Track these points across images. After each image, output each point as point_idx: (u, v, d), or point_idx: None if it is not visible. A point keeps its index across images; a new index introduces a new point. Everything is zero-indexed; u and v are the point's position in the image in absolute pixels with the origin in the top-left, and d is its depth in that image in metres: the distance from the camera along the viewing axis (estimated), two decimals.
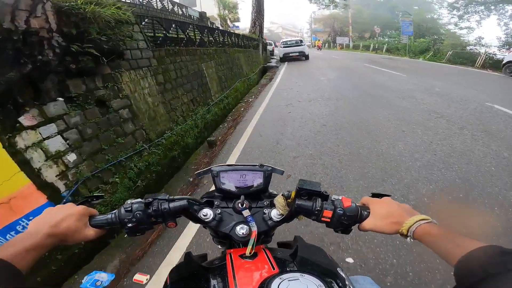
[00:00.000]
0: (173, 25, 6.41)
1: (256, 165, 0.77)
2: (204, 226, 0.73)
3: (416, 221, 0.53)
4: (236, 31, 15.57)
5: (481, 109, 5.03)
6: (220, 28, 15.26)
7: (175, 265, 0.68)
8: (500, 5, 18.58)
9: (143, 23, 5.40)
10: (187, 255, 0.70)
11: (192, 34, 7.59)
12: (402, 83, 7.77)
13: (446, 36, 22.26)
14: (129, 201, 0.62)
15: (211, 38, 9.00)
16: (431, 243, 0.50)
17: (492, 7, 18.95)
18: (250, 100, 7.66)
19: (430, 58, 18.04)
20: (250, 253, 0.61)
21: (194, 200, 0.69)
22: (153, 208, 0.61)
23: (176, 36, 6.56)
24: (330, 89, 7.68)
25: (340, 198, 0.62)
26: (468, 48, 17.86)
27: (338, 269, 0.59)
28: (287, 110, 5.76)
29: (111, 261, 2.12)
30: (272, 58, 22.45)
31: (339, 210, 0.60)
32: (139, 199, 0.63)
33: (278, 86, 8.60)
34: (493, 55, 14.52)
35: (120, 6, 3.72)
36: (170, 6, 13.78)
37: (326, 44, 43.26)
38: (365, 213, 0.61)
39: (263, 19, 19.01)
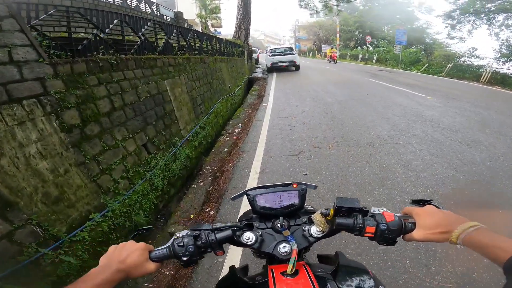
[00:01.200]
0: (116, 20, 4.00)
1: (291, 183, 0.78)
2: None
3: (465, 229, 0.54)
4: (218, 37, 13.31)
5: None
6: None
7: (220, 278, 0.75)
8: (491, 15, 17.84)
9: (45, 15, 3.03)
10: (231, 268, 0.75)
11: (152, 35, 5.19)
12: (442, 113, 5.83)
13: (433, 46, 21.50)
14: (179, 235, 0.65)
15: (183, 43, 6.67)
16: (480, 249, 0.52)
17: (483, 16, 18.14)
18: (236, 132, 5.39)
19: (425, 70, 16.84)
20: (291, 271, 0.62)
21: (235, 226, 0.71)
22: (202, 241, 0.64)
23: (121, 38, 4.18)
24: (348, 120, 5.58)
25: (381, 212, 0.62)
26: (462, 59, 16.89)
27: (381, 287, 0.59)
28: (301, 169, 3.55)
29: None
30: (257, 67, 20.41)
31: (382, 225, 0.59)
32: (187, 231, 0.66)
33: (274, 112, 6.39)
34: (500, 69, 13.43)
35: None
36: (135, 2, 11.19)
37: (311, 53, 42.03)
38: (410, 225, 0.61)
39: (249, 22, 16.92)
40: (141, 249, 0.63)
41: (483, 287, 1.74)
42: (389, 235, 0.60)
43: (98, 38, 3.50)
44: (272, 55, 15.43)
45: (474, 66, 15.11)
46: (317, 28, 40.72)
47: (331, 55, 22.38)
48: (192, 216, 2.87)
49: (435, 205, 0.66)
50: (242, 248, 2.21)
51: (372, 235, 0.61)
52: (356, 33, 34.94)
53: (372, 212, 0.63)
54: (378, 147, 4.07)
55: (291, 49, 16.40)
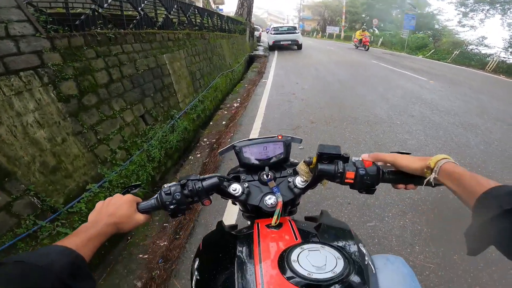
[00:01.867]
0: None
1: (275, 136, 0.80)
2: (233, 202, 0.83)
3: (442, 159, 0.55)
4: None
5: None
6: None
7: (208, 233, 0.75)
8: (507, 5, 17.21)
9: None
10: (219, 223, 0.78)
11: (152, 10, 5.09)
12: (443, 97, 5.79)
13: (442, 33, 20.94)
14: (166, 185, 0.66)
15: (183, 18, 6.51)
16: (455, 180, 0.51)
17: (498, 6, 17.52)
18: (235, 106, 5.38)
19: (430, 55, 16.50)
20: (275, 223, 0.64)
21: (223, 177, 0.71)
22: (189, 189, 0.64)
23: (119, 13, 4.10)
24: (348, 98, 5.56)
25: (361, 159, 0.63)
26: (469, 47, 16.51)
27: (360, 245, 0.61)
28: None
29: None
30: (259, 45, 19.96)
31: (361, 170, 0.60)
32: (174, 182, 0.66)
33: (273, 88, 6.34)
34: (507, 59, 13.18)
35: None
36: None
37: (315, 33, 40.91)
38: (387, 170, 0.63)
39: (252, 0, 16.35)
40: (129, 201, 0.63)
41: (462, 269, 1.78)
42: (367, 181, 0.61)
43: (96, 13, 3.44)
44: (274, 33, 15.02)
45: (481, 55, 14.77)
46: (323, 8, 39.38)
47: (361, 39, 16.52)
48: None
49: None
50: (236, 215, 2.29)
51: (352, 181, 0.61)
52: (363, 15, 33.85)
53: (353, 160, 0.64)
54: (375, 125, 4.09)
55: (294, 28, 15.99)
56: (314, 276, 0.47)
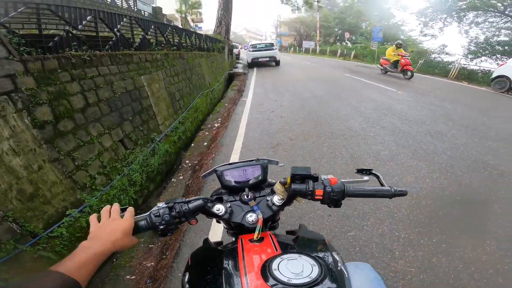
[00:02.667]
0: (89, 17, 3.94)
1: (253, 160, 0.89)
2: (217, 221, 0.87)
3: None
4: (199, 32, 13.14)
5: None
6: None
7: (195, 249, 0.81)
8: (462, 13, 18.75)
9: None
10: (205, 240, 0.85)
11: (128, 31, 5.14)
12: (411, 107, 6.18)
13: (407, 43, 22.29)
14: (155, 208, 0.71)
15: (161, 38, 6.60)
16: None
17: (454, 14, 19.05)
18: (216, 126, 5.45)
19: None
20: (257, 237, 0.71)
21: (206, 199, 0.77)
22: (176, 211, 0.70)
23: (94, 34, 4.12)
24: (324, 113, 5.81)
25: (328, 177, 0.71)
26: (432, 56, 17.65)
27: (333, 253, 0.67)
28: (279, 162, 3.70)
29: None
30: (238, 63, 20.35)
31: (328, 188, 0.69)
32: (162, 204, 0.71)
33: (253, 107, 6.48)
34: (467, 65, 14.17)
35: None
36: None
37: (292, 48, 42.34)
38: (350, 186, 0.71)
39: (230, 18, 16.80)
40: (127, 226, 0.66)
41: (442, 271, 1.88)
42: (334, 197, 0.69)
43: (70, 34, 3.45)
44: (253, 51, 15.43)
45: (443, 63, 15.68)
46: (298, 24, 41.03)
47: (396, 61, 10.55)
48: None
49: (375, 175, 0.80)
50: (220, 233, 2.33)
51: (321, 197, 0.69)
52: (336, 29, 35.59)
53: (322, 179, 0.71)
54: (350, 139, 4.29)
55: (272, 44, 16.49)
56: (293, 281, 0.53)
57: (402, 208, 2.58)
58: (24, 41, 2.73)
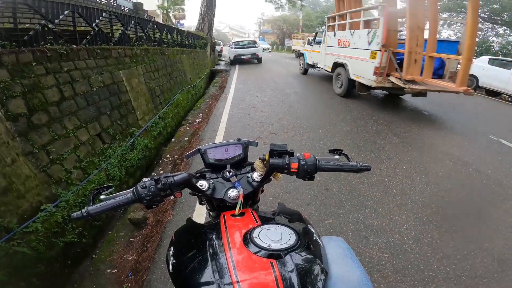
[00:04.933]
0: (66, 11, 3.86)
1: (235, 140, 0.96)
2: (200, 203, 0.98)
3: None
4: (181, 29, 12.96)
5: None
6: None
7: (179, 227, 0.84)
8: None
9: None
10: (189, 219, 0.90)
11: (107, 25, 5.04)
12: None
13: None
14: (143, 180, 0.71)
15: (141, 34, 6.50)
16: None
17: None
18: (197, 121, 5.45)
19: None
20: (238, 212, 0.77)
21: (191, 174, 0.80)
22: (162, 183, 0.70)
23: (72, 29, 4.03)
24: (303, 108, 5.96)
25: (302, 153, 0.77)
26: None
27: (309, 225, 0.76)
28: (257, 154, 3.75)
29: None
30: (221, 60, 20.25)
31: (302, 161, 0.75)
32: (148, 178, 0.71)
33: (234, 102, 6.49)
34: None
35: None
36: None
37: (274, 47, 42.53)
38: (322, 161, 0.78)
39: (213, 15, 16.63)
40: None
41: (413, 257, 1.99)
42: (308, 169, 0.74)
43: (46, 28, 3.37)
44: (235, 48, 15.40)
45: None
46: (282, 22, 41.26)
47: None
48: None
49: (345, 154, 0.88)
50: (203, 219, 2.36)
51: (296, 170, 0.74)
52: (318, 28, 36.14)
53: (297, 155, 0.77)
54: (328, 132, 4.44)
55: (254, 42, 16.53)
56: (273, 247, 0.59)
57: (375, 197, 2.73)
58: None
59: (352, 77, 5.96)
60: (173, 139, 4.81)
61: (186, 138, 4.63)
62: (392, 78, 5.03)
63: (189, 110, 7.04)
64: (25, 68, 2.82)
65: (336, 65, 6.83)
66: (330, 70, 7.24)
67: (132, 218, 2.63)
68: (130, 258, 2.18)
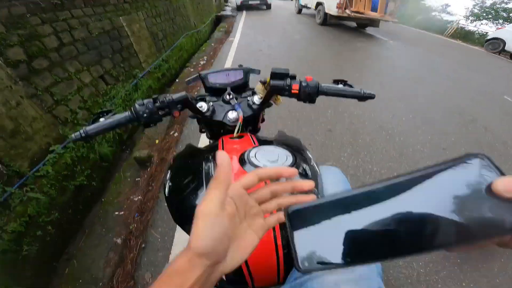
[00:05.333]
0: None
1: (236, 66, 0.93)
2: (200, 130, 0.99)
3: None
4: None
5: None
6: None
7: (178, 152, 0.87)
8: None
9: None
10: (188, 144, 0.89)
11: None
12: (398, 55, 6.11)
13: None
14: (140, 99, 0.69)
15: None
16: None
17: None
18: (201, 64, 5.32)
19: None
20: (237, 134, 0.76)
21: (191, 96, 0.77)
22: (160, 101, 0.68)
23: None
24: (311, 54, 5.70)
25: (305, 77, 0.75)
26: (433, 13, 17.05)
27: (307, 151, 0.76)
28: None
29: None
30: (226, 6, 18.86)
31: (303, 82, 0.72)
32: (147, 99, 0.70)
33: (240, 46, 6.22)
34: (465, 26, 14.11)
35: None
36: None
37: None
38: (324, 85, 0.74)
39: None
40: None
41: None
42: (309, 91, 0.71)
43: None
44: None
45: (442, 21, 15.39)
46: None
47: None
48: (157, 141, 2.96)
49: (349, 84, 0.81)
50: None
51: (297, 92, 0.71)
52: None
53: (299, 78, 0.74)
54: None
55: None
56: (269, 166, 0.56)
57: (377, 143, 2.74)
58: None
59: (326, 11, 8.86)
60: (177, 80, 4.76)
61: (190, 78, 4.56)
62: (347, 11, 7.76)
63: (194, 53, 6.82)
64: (19, 20, 2.71)
65: (318, 4, 9.78)
66: (314, 7, 10.21)
67: (138, 157, 2.69)
68: (136, 199, 2.20)
